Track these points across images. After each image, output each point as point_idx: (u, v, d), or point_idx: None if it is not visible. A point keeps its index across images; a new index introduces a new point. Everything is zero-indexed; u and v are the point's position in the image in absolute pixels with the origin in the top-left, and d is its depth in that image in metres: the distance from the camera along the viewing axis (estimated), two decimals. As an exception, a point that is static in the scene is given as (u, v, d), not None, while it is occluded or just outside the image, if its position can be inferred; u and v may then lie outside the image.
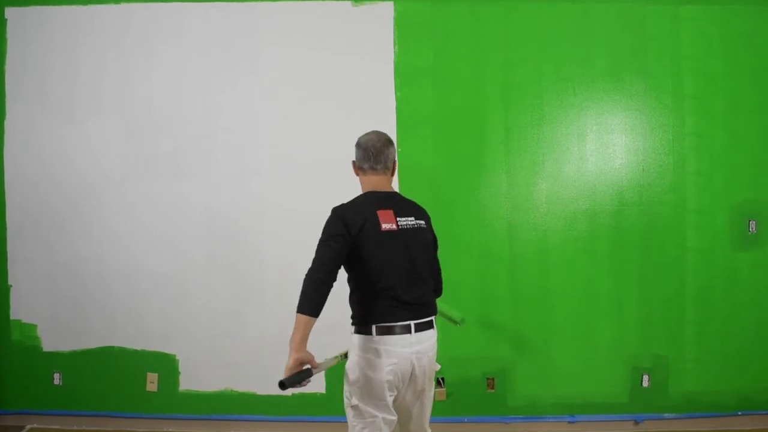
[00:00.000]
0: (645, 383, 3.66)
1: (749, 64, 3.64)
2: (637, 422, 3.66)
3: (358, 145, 2.48)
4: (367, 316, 2.27)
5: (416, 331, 2.26)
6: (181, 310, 3.77)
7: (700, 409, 3.67)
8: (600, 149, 3.69)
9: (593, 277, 3.66)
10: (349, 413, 2.29)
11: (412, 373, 2.28)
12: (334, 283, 2.22)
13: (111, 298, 3.79)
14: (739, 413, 3.67)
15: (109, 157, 3.79)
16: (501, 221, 3.69)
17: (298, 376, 2.06)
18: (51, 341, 3.83)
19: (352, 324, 2.34)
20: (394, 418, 2.28)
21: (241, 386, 3.75)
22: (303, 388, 2.15)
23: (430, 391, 2.42)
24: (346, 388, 2.32)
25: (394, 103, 3.69)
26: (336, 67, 3.72)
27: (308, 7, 3.73)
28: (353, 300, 2.36)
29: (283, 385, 2.03)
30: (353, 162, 2.52)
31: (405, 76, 3.70)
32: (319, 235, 2.28)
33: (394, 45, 3.70)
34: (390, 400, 2.27)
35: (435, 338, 2.38)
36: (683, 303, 3.66)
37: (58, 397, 3.83)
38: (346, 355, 2.35)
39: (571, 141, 3.69)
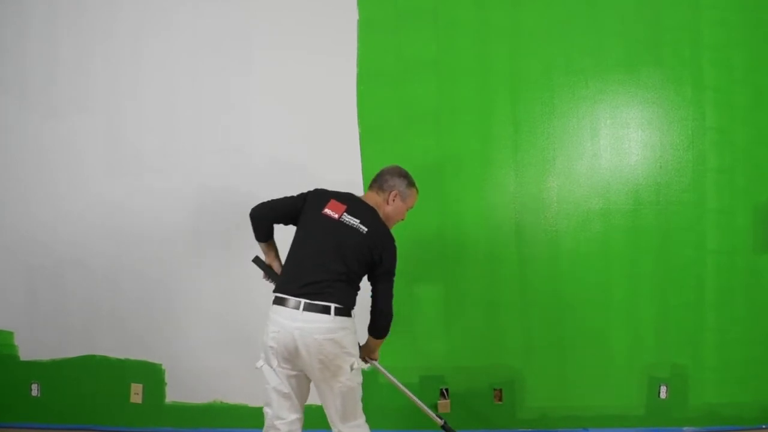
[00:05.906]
0: (662, 394, 3.58)
1: (774, 54, 3.56)
2: (654, 436, 3.60)
3: None
4: (277, 283, 2.63)
5: (305, 310, 2.46)
6: (167, 317, 3.68)
7: (720, 422, 3.58)
8: (614, 145, 3.59)
9: (607, 281, 3.58)
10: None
11: (297, 349, 2.47)
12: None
13: (93, 304, 3.71)
14: (763, 426, 3.58)
15: (93, 155, 3.71)
16: (509, 222, 3.60)
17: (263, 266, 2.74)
18: (28, 350, 3.76)
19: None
20: (287, 391, 2.53)
21: (231, 398, 3.68)
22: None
23: (335, 382, 2.51)
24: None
25: (394, 97, 3.60)
26: (332, 60, 3.63)
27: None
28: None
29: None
30: None
31: (406, 68, 3.60)
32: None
33: (394, 35, 3.61)
34: (281, 370, 2.51)
35: (328, 324, 2.47)
36: (703, 308, 3.56)
37: (36, 410, 3.75)
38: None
39: (583, 136, 3.60)
